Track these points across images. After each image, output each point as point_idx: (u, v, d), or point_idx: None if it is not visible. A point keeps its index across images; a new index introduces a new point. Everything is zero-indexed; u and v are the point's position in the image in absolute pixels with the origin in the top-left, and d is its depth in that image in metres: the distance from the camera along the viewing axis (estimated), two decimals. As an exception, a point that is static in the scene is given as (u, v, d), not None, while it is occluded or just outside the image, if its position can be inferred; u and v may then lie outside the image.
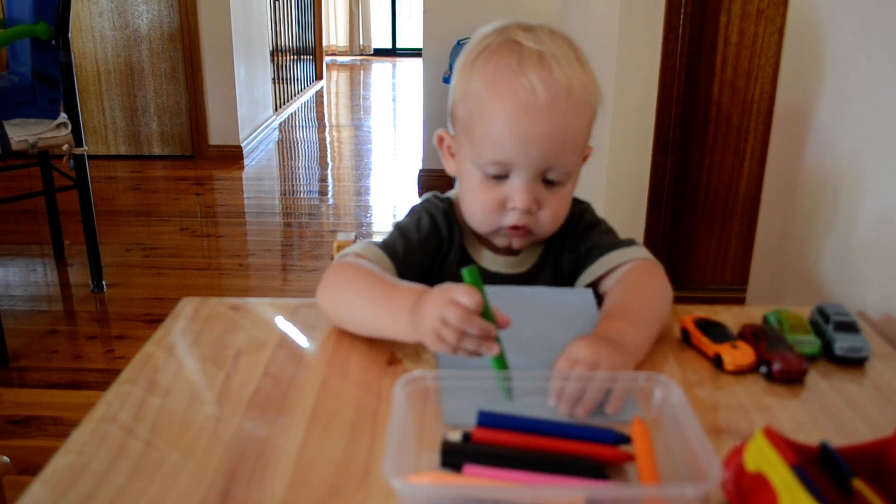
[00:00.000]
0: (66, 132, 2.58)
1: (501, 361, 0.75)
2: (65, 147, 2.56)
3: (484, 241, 1.01)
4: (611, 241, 1.01)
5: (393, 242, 0.97)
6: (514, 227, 0.93)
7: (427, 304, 0.77)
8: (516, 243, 0.97)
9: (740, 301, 1.59)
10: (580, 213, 1.03)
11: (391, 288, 0.85)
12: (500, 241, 0.98)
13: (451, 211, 1.01)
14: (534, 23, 0.92)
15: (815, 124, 1.25)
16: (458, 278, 0.99)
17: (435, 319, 0.75)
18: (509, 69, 0.87)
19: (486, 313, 0.75)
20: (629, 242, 1.01)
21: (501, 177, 0.90)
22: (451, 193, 1.05)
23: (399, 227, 1.00)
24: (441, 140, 1.00)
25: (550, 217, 0.93)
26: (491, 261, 1.01)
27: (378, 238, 0.99)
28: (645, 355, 0.85)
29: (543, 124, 0.86)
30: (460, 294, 0.74)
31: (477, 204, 0.94)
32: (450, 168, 1.00)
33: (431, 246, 1.00)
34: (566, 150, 0.89)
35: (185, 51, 4.33)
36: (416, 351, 0.87)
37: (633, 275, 0.96)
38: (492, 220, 0.93)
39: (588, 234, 1.02)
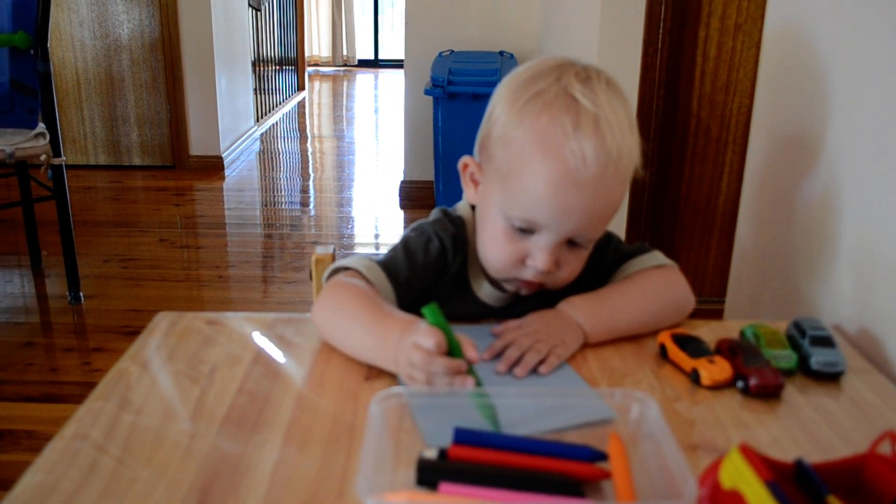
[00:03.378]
0: (44, 142, 2.55)
1: (480, 397, 0.73)
2: (43, 157, 2.54)
3: (487, 274, 1.00)
4: (626, 252, 1.01)
5: (397, 265, 0.94)
6: (528, 282, 0.93)
7: (398, 346, 0.78)
8: (525, 293, 0.96)
9: (719, 314, 1.59)
10: (601, 245, 0.99)
11: (382, 317, 0.84)
12: (509, 287, 0.97)
13: (460, 235, 0.99)
14: (587, 66, 0.88)
15: (792, 138, 1.26)
16: (447, 301, 0.99)
17: (404, 363, 0.77)
18: (563, 131, 0.83)
19: (453, 349, 0.74)
20: (644, 249, 1.02)
21: (527, 231, 0.89)
22: (460, 209, 1.02)
23: (407, 246, 0.96)
24: (465, 167, 0.97)
25: (566, 275, 0.93)
26: (488, 294, 1.01)
27: (362, 250, 0.99)
28: (605, 337, 0.93)
29: (587, 197, 0.84)
30: (421, 337, 0.75)
31: (497, 253, 0.92)
32: (468, 195, 0.98)
33: (436, 271, 0.98)
34: (601, 222, 0.89)
35: (166, 61, 4.32)
36: (393, 366, 0.86)
37: (638, 275, 0.99)
38: (508, 271, 0.93)
39: (603, 253, 1.01)
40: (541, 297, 1.00)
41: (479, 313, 1.01)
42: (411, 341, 0.76)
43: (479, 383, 0.74)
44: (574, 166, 0.82)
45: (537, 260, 0.89)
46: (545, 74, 0.87)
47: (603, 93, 0.85)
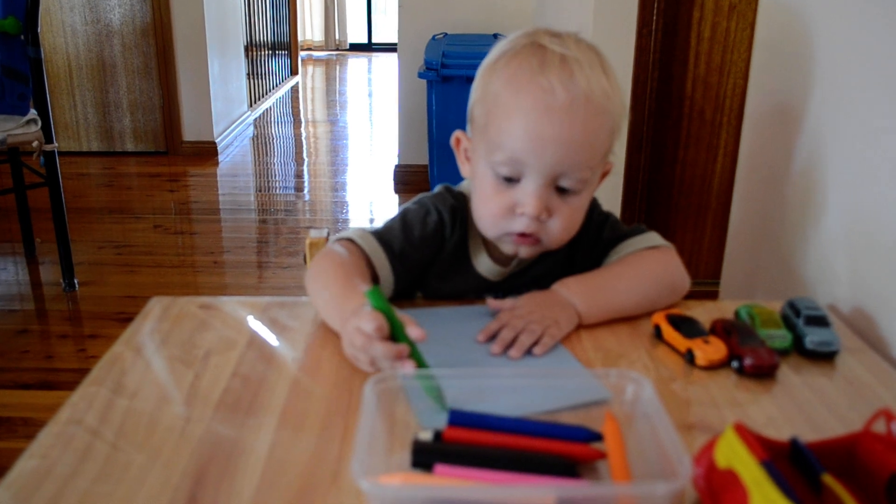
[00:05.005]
0: (35, 128, 2.54)
1: (425, 378, 0.74)
2: (35, 144, 2.53)
3: (487, 246, 1.00)
4: (623, 232, 1.02)
5: (392, 234, 0.96)
6: (522, 235, 0.91)
7: (344, 328, 0.80)
8: (523, 252, 0.94)
9: (714, 295, 1.60)
10: (588, 213, 0.99)
11: (347, 292, 0.85)
12: (507, 248, 0.96)
13: (459, 208, 1.00)
14: (563, 31, 0.91)
15: (786, 119, 1.26)
16: (447, 275, 1.00)
17: (347, 345, 0.80)
18: (530, 69, 0.86)
19: (396, 331, 0.75)
20: (640, 230, 1.02)
21: (513, 180, 0.89)
22: (463, 187, 1.03)
23: (405, 217, 0.98)
24: (458, 142, 0.98)
25: (560, 227, 0.91)
26: (488, 268, 1.01)
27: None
28: (599, 318, 0.93)
29: (559, 126, 0.85)
30: (362, 321, 0.76)
31: (487, 208, 0.92)
32: (465, 171, 0.99)
33: (434, 244, 0.98)
34: (581, 156, 0.87)
35: (158, 46, 4.29)
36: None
37: (633, 255, 0.99)
38: (500, 225, 0.92)
39: (600, 231, 1.02)
40: (540, 271, 1.01)
41: (479, 288, 1.01)
42: (354, 324, 0.77)
43: (421, 364, 0.75)
44: (543, 97, 0.85)
45: (526, 206, 0.88)
46: (516, 37, 0.92)
47: (573, 43, 0.88)
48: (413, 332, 0.75)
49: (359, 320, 0.77)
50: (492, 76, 0.90)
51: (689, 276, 0.99)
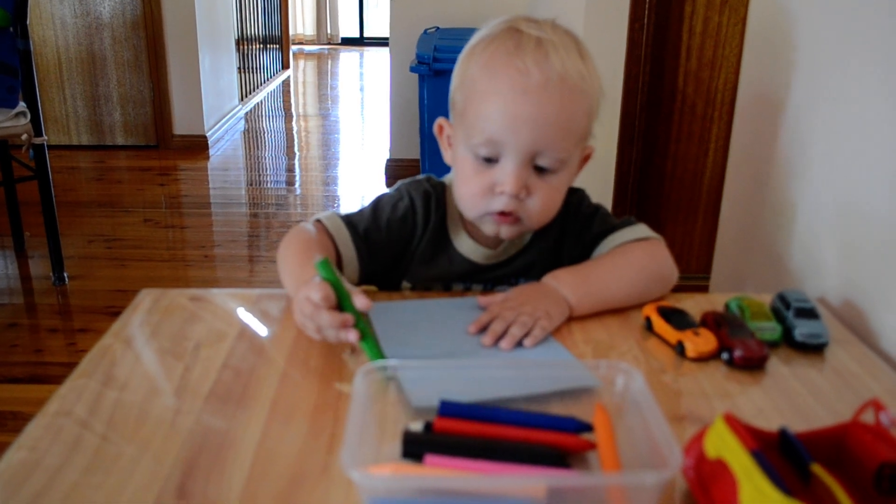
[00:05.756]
0: (25, 121, 2.53)
1: (369, 344, 0.78)
2: (24, 137, 2.51)
3: (468, 227, 1.01)
4: (611, 225, 1.02)
5: (361, 217, 0.99)
6: (502, 214, 0.92)
7: (296, 298, 0.83)
8: (504, 232, 0.95)
9: (705, 289, 1.60)
10: (577, 204, 1.03)
11: (304, 266, 0.87)
12: (488, 229, 0.96)
13: (434, 194, 1.01)
14: (541, 18, 0.93)
15: (776, 114, 1.26)
16: (430, 259, 1.01)
17: (298, 313, 0.82)
18: (506, 52, 0.88)
19: (343, 301, 0.78)
20: (629, 222, 1.02)
21: (492, 161, 0.90)
22: (446, 178, 1.05)
23: (378, 201, 1.02)
24: (441, 129, 1.00)
25: (539, 206, 0.92)
26: (471, 249, 1.01)
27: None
28: (590, 310, 0.93)
29: (535, 106, 0.86)
30: (311, 290, 0.79)
31: (468, 188, 0.93)
32: (447, 158, 1.00)
33: (402, 228, 1.00)
34: (557, 135, 0.88)
35: (149, 39, 4.26)
36: (378, 341, 0.86)
37: (622, 247, 0.99)
38: (480, 205, 0.93)
39: (590, 223, 1.03)
40: (528, 261, 1.01)
41: (466, 271, 1.02)
42: (303, 293, 0.80)
43: (365, 334, 0.78)
44: (518, 78, 0.86)
45: (504, 184, 0.89)
46: (497, 24, 0.93)
47: (549, 27, 0.90)
48: (359, 301, 0.78)
49: (308, 290, 0.79)
50: (470, 61, 0.92)
51: (677, 267, 1.00)
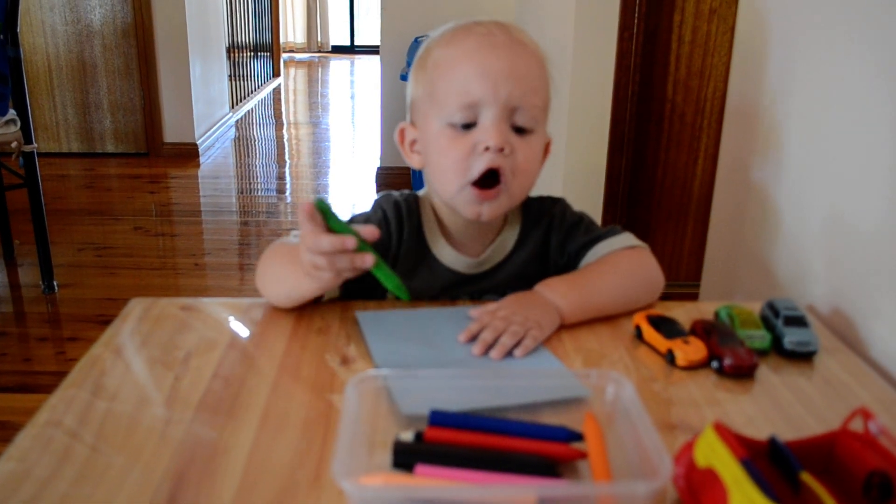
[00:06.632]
0: (14, 129, 2.52)
1: (383, 272, 0.79)
2: (14, 144, 2.51)
3: (448, 235, 1.01)
4: (597, 234, 1.02)
5: None
6: (484, 187, 0.91)
7: (300, 248, 0.83)
8: (485, 211, 0.93)
9: (695, 297, 1.61)
10: (560, 213, 1.04)
11: (294, 254, 0.87)
12: (468, 211, 0.94)
13: (406, 204, 1.01)
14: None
15: (765, 122, 1.27)
16: (411, 270, 1.01)
17: (305, 256, 0.81)
18: (465, 29, 0.93)
19: (342, 231, 0.79)
20: (615, 231, 1.03)
21: (470, 126, 0.91)
22: (419, 191, 1.05)
23: (352, 218, 1.02)
24: (402, 134, 1.00)
25: (522, 162, 0.91)
26: (452, 258, 1.01)
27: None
28: (581, 318, 0.93)
29: (505, 59, 0.90)
30: (302, 222, 0.79)
31: (448, 159, 0.92)
32: (412, 162, 1.00)
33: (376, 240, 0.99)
34: (529, 88, 0.91)
35: (139, 46, 4.26)
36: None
37: (610, 255, 0.99)
38: (463, 174, 0.91)
39: (574, 233, 1.03)
40: (513, 270, 1.01)
41: (450, 282, 1.01)
42: (303, 245, 0.81)
43: (378, 262, 0.79)
44: (486, 38, 0.91)
45: (488, 139, 0.89)
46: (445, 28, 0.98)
47: (503, 21, 0.95)
48: (365, 231, 0.80)
49: (301, 226, 0.80)
50: (427, 59, 0.95)
51: (664, 274, 1.01)
